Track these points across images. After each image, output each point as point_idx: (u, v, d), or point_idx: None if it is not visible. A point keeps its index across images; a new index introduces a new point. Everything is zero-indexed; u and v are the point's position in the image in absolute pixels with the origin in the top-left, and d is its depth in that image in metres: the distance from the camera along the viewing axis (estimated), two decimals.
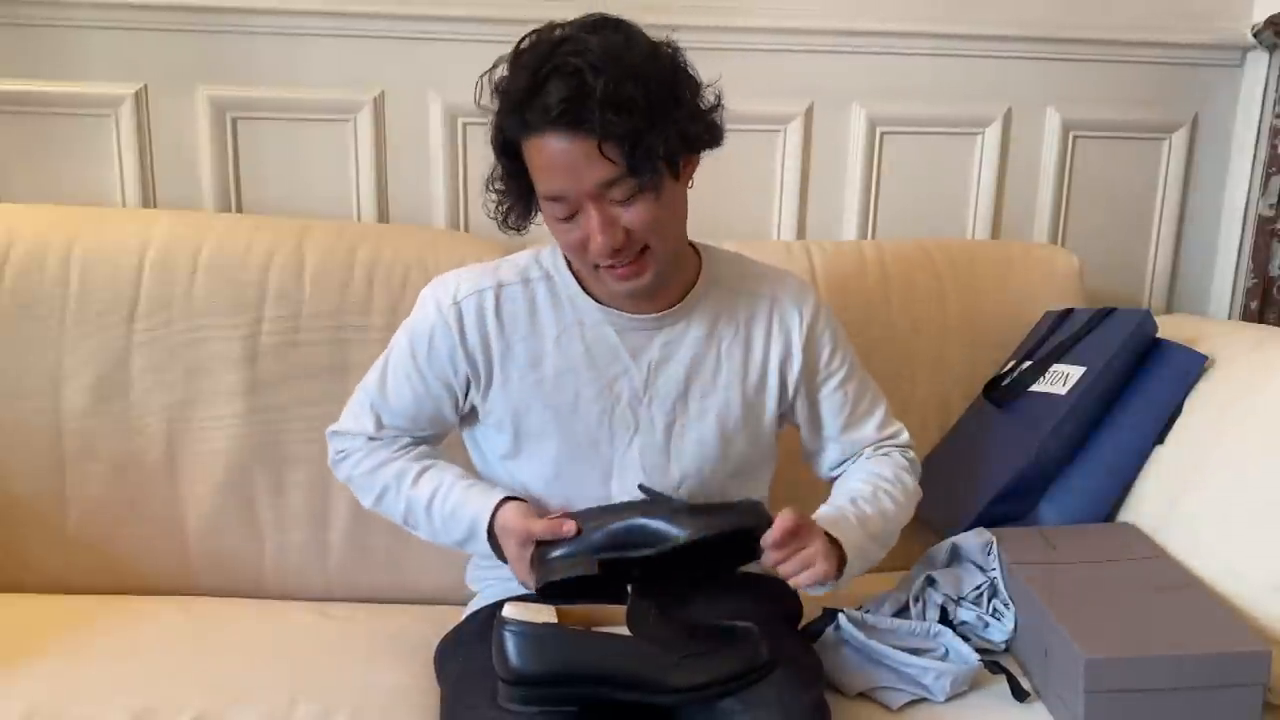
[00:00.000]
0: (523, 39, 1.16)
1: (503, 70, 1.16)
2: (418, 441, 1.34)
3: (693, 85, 1.18)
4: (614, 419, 1.29)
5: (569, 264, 1.29)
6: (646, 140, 1.11)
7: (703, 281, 1.31)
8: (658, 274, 1.21)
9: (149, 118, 1.77)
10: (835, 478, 1.40)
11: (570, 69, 1.10)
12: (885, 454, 1.38)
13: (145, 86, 1.76)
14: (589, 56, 1.10)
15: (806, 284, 1.39)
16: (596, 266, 1.19)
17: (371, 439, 1.33)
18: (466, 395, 1.31)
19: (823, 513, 1.27)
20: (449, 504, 1.25)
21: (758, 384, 1.32)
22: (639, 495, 1.28)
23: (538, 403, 1.28)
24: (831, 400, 1.36)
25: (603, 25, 1.15)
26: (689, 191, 1.24)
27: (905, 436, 1.40)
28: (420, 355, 1.30)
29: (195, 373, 1.55)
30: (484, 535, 1.22)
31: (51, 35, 1.72)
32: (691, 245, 1.32)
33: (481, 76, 1.18)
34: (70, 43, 1.72)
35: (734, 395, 1.31)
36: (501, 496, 1.24)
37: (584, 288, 1.28)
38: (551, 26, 1.16)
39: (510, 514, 1.21)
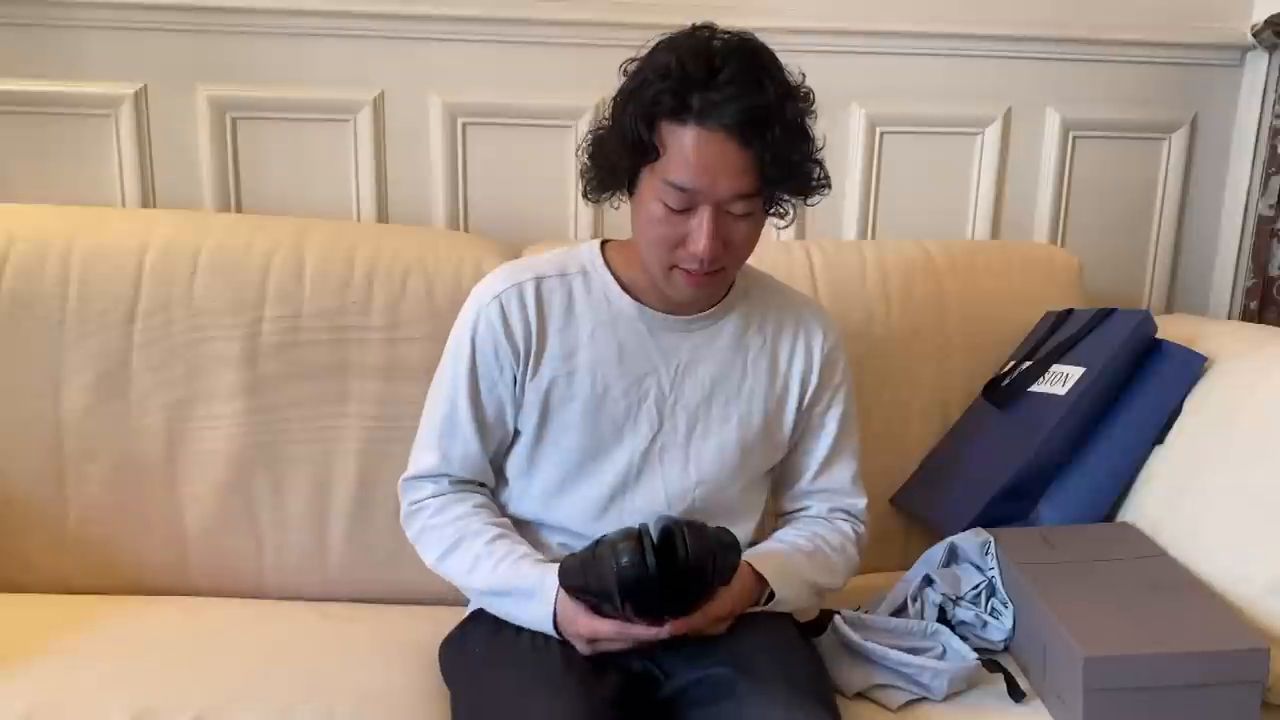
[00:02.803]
0: (698, 30, 1.17)
1: (662, 53, 1.16)
2: (483, 495, 1.34)
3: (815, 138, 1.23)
4: (639, 415, 1.30)
5: (606, 263, 1.31)
6: (798, 174, 1.18)
7: (736, 292, 1.34)
8: (720, 292, 1.29)
9: (149, 118, 1.77)
10: (787, 512, 1.42)
11: (752, 76, 1.13)
12: (834, 521, 1.39)
13: (145, 86, 1.76)
14: (770, 70, 1.15)
15: (832, 317, 1.41)
16: (672, 267, 1.21)
17: (452, 482, 1.32)
18: (515, 393, 1.31)
19: (754, 549, 1.31)
20: (523, 565, 1.25)
21: (780, 396, 1.35)
22: (653, 494, 1.30)
23: (567, 393, 1.30)
24: (824, 427, 1.38)
25: (773, 57, 1.18)
26: None
27: (862, 505, 1.41)
28: (465, 364, 1.30)
29: (195, 373, 1.55)
30: (552, 595, 1.21)
31: (51, 35, 1.72)
32: None
33: (645, 44, 1.19)
34: (70, 43, 1.72)
35: (756, 406, 1.33)
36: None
37: (622, 286, 1.30)
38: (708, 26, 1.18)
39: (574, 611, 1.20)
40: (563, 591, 1.19)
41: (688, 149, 1.14)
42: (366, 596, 1.55)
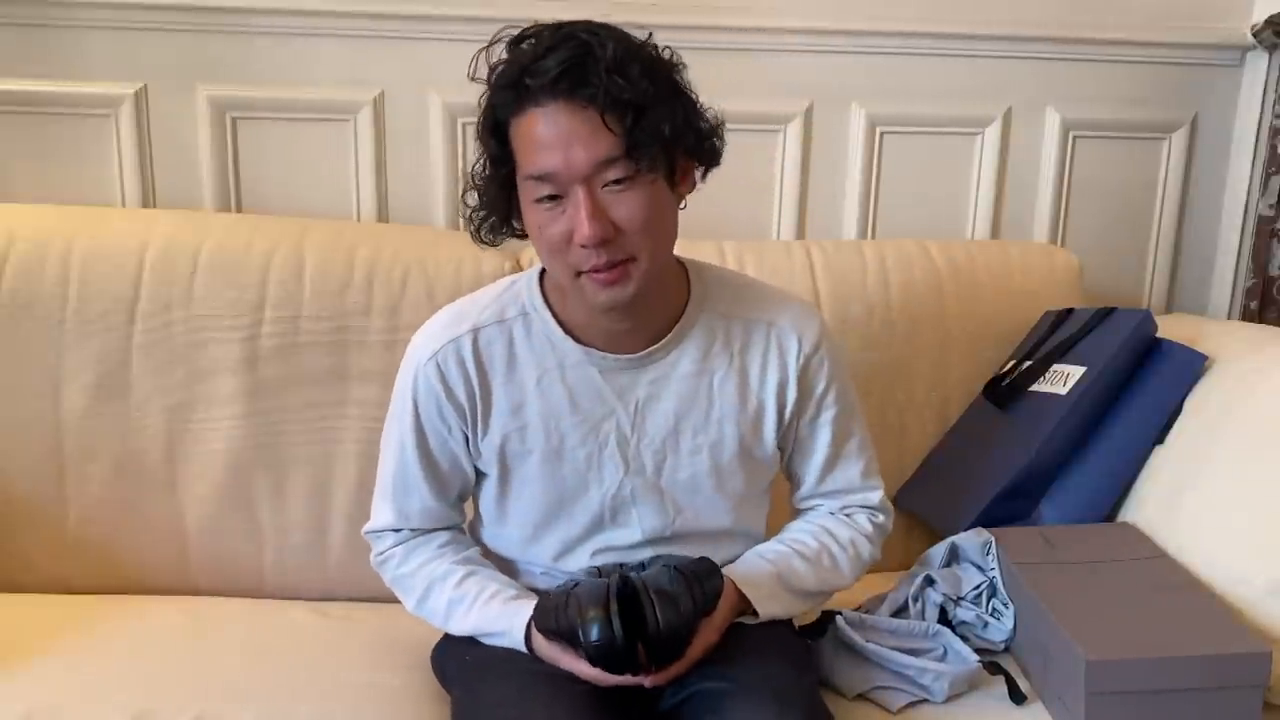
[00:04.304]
0: (525, 30, 1.12)
1: (500, 53, 1.12)
2: (449, 532, 1.32)
3: (692, 96, 1.16)
4: (602, 461, 1.25)
5: (546, 300, 1.23)
6: (651, 116, 1.07)
7: (691, 310, 1.24)
8: (641, 290, 1.13)
9: (149, 118, 1.77)
10: (802, 510, 1.38)
11: (573, 38, 1.07)
12: (850, 515, 1.34)
13: (145, 86, 1.76)
14: (597, 34, 1.08)
15: (812, 311, 1.32)
16: (578, 274, 1.12)
17: (413, 531, 1.29)
18: (468, 448, 1.27)
19: (745, 562, 1.28)
20: (493, 606, 1.23)
21: (755, 416, 1.27)
22: (631, 543, 1.28)
23: (522, 448, 1.25)
24: (816, 437, 1.31)
25: (607, 25, 1.11)
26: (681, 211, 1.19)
27: (878, 496, 1.35)
28: (410, 423, 1.25)
29: (195, 373, 1.55)
30: (521, 638, 1.19)
31: (51, 35, 1.72)
32: (681, 265, 1.27)
33: (476, 56, 1.14)
34: (70, 43, 1.72)
35: (729, 430, 1.26)
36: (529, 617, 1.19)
37: (563, 326, 1.23)
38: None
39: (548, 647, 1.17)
40: (539, 634, 1.16)
41: (532, 134, 1.08)
42: (366, 596, 1.54)
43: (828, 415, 1.30)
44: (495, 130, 1.13)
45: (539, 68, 1.07)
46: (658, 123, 1.08)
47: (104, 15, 1.71)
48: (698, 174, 1.20)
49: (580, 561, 1.28)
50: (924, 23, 1.86)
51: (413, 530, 1.30)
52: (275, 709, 1.23)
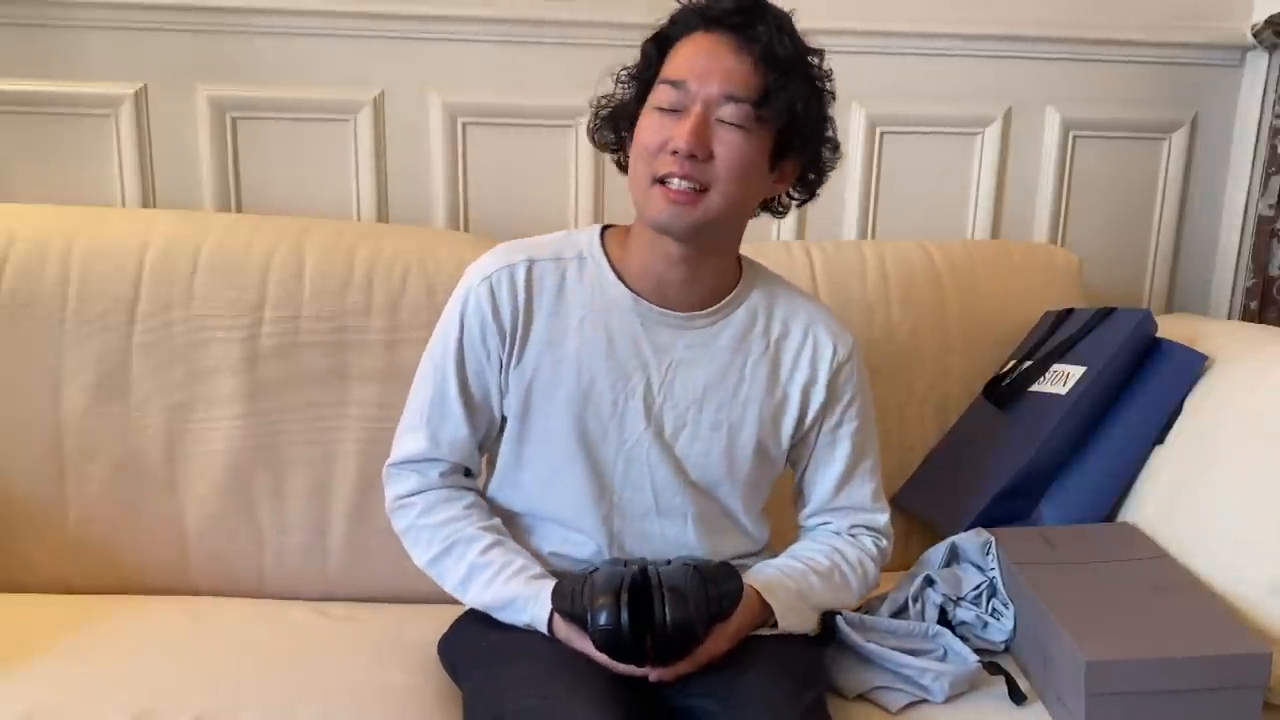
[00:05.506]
0: None
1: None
2: (472, 494, 1.32)
3: (829, 112, 1.27)
4: (625, 413, 1.27)
5: (605, 252, 1.28)
6: (792, 86, 1.17)
7: (742, 288, 1.30)
8: (700, 226, 1.18)
9: (149, 118, 1.77)
10: (808, 530, 1.39)
11: (758, 4, 1.20)
12: (855, 536, 1.36)
13: (145, 86, 1.76)
14: (770, 5, 1.21)
15: (847, 330, 1.36)
16: (654, 182, 1.17)
17: (438, 473, 1.29)
18: (501, 380, 1.28)
19: (763, 574, 1.28)
20: (517, 581, 1.23)
21: (778, 407, 1.30)
22: (641, 491, 1.29)
23: (550, 383, 1.27)
24: (835, 448, 1.34)
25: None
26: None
27: (884, 520, 1.38)
28: (454, 345, 1.28)
29: (195, 373, 1.55)
30: (545, 616, 1.20)
31: (51, 35, 1.72)
32: (738, 256, 1.32)
33: None
34: (70, 43, 1.72)
35: (751, 414, 1.29)
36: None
37: (618, 275, 1.27)
38: None
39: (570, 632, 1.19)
40: (558, 615, 1.18)
41: (688, 47, 1.19)
42: (366, 596, 1.55)
43: (849, 428, 1.33)
44: (660, 42, 1.23)
45: (721, 3, 1.19)
46: (794, 95, 1.18)
47: (104, 15, 1.71)
48: (792, 190, 1.30)
49: (591, 522, 1.29)
50: (924, 23, 1.86)
51: (441, 474, 1.30)
52: (275, 709, 1.23)
